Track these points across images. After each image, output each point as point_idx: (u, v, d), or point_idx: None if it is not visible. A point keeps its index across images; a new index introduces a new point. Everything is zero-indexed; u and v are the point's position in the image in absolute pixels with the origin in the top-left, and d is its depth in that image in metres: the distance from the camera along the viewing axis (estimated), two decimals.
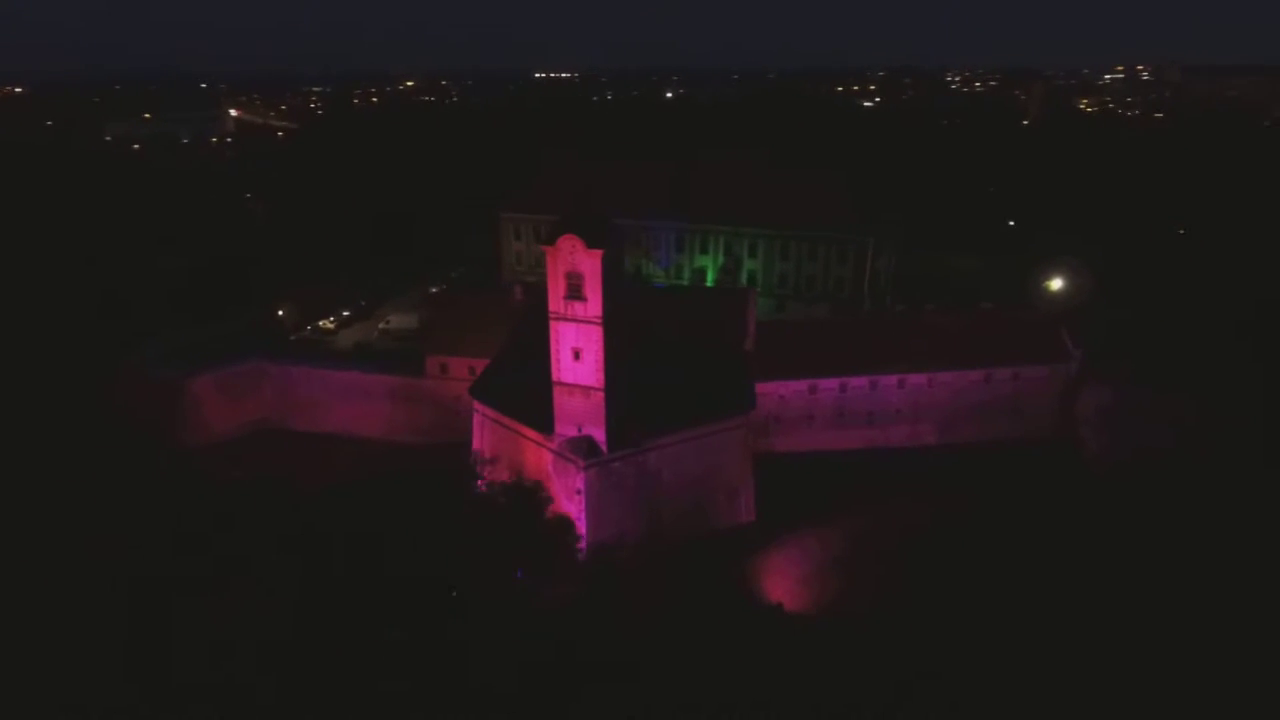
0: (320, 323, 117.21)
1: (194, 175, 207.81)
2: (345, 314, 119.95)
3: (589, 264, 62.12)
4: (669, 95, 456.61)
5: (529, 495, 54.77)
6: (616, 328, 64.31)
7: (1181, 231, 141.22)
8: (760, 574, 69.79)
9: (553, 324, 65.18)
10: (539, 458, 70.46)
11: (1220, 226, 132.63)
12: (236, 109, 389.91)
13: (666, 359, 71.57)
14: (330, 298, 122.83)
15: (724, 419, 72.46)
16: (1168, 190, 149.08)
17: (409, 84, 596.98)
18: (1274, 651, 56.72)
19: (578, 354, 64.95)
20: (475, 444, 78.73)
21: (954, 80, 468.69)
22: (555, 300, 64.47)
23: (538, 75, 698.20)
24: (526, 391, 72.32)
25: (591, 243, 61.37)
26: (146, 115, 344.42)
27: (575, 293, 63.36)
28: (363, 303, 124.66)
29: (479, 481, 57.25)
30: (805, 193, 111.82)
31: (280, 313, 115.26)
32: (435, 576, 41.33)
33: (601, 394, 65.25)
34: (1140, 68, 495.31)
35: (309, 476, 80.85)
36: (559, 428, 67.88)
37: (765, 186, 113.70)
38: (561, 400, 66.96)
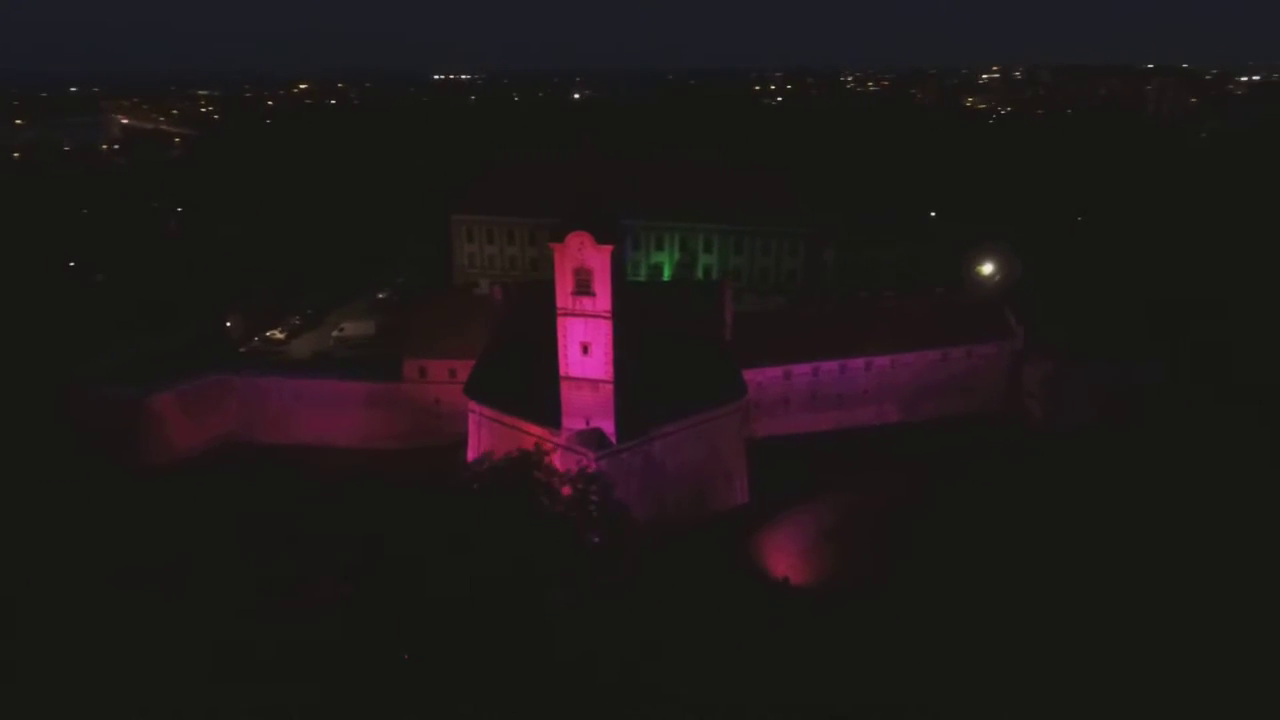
0: (269, 333, 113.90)
1: (90, 184, 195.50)
2: (295, 323, 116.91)
3: (598, 259, 63.90)
4: (576, 96, 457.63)
5: (594, 482, 56.05)
6: (623, 321, 66.25)
7: (1080, 219, 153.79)
8: (763, 551, 73.16)
9: (561, 320, 66.52)
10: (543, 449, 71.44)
11: (1114, 212, 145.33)
12: (122, 114, 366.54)
13: (656, 351, 73.68)
14: (273, 307, 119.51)
15: (720, 406, 75.57)
16: (1064, 180, 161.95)
17: (302, 86, 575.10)
18: (1203, 573, 64.45)
19: (586, 348, 66.56)
20: (471, 444, 78.93)
21: (848, 80, 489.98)
22: (563, 296, 65.86)
23: (437, 77, 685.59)
24: (526, 388, 73.38)
25: (601, 238, 63.18)
26: (19, 121, 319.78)
27: (584, 288, 64.95)
28: (309, 311, 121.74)
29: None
30: (755, 189, 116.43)
31: (228, 324, 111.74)
32: (524, 574, 42.27)
33: (611, 386, 67.13)
34: (1015, 70, 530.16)
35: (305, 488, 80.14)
36: (567, 422, 69.25)
37: (716, 184, 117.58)
38: (569, 394, 68.39)
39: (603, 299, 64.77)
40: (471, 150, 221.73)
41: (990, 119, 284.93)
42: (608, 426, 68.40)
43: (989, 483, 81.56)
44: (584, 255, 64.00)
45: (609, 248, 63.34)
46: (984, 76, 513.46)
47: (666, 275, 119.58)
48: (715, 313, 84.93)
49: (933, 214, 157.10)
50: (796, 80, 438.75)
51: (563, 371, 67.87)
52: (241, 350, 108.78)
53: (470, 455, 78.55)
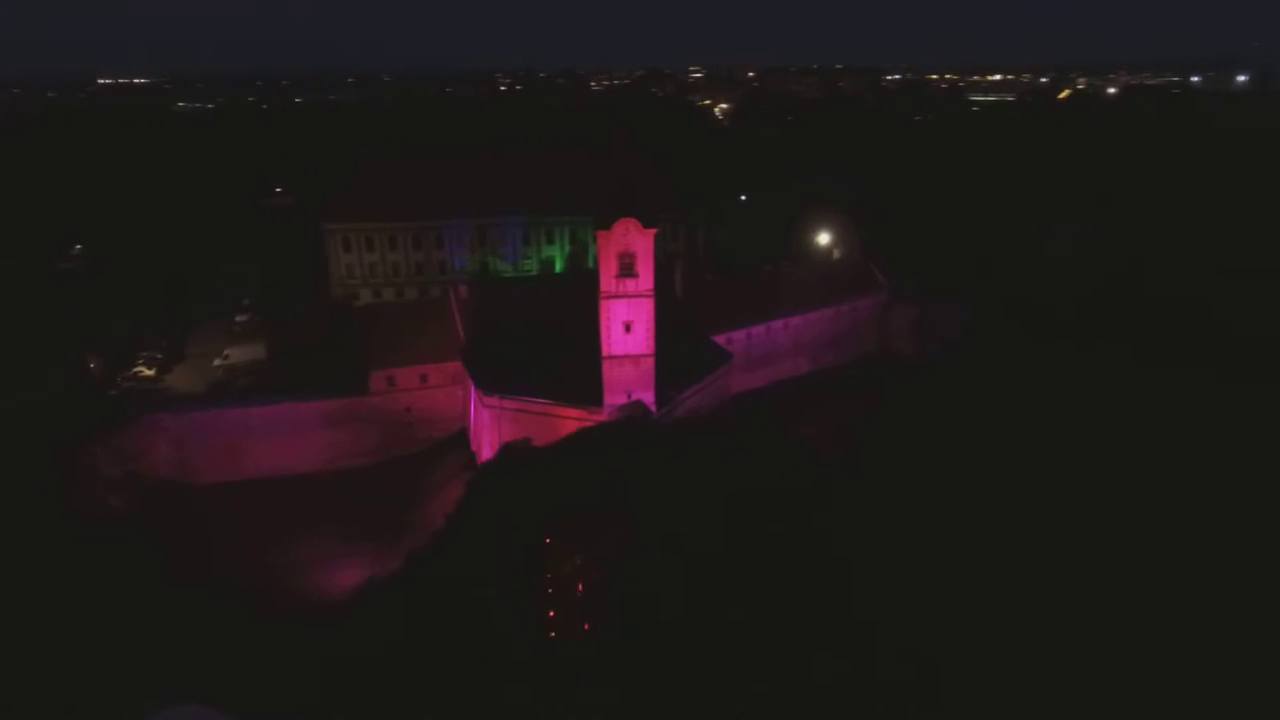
0: (135, 370, 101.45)
1: None
2: (156, 357, 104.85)
3: (642, 243, 69.70)
4: (298, 100, 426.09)
5: None
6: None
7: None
8: None
9: (604, 302, 71.14)
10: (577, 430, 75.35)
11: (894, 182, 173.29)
12: None
13: None
14: (115, 344, 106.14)
15: (718, 369, 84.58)
16: (838, 159, 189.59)
17: None
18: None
19: (629, 326, 71.94)
20: (488, 438, 79.52)
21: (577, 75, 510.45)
22: (607, 280, 70.58)
23: (103, 81, 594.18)
24: (552, 374, 76.73)
25: (647, 223, 69.11)
26: None
27: (628, 271, 70.31)
28: (164, 343, 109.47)
29: None
30: (630, 179, 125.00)
31: (91, 366, 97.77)
32: None
33: (651, 360, 73.26)
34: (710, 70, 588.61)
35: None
36: (609, 398, 73.88)
37: (597, 175, 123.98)
38: (612, 372, 73.13)
39: (645, 279, 70.70)
40: (225, 161, 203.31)
41: (718, 112, 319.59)
42: (648, 397, 74.30)
43: (902, 404, 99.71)
44: (629, 240, 69.42)
45: (653, 231, 69.51)
46: (691, 76, 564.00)
47: (559, 268, 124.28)
48: (668, 288, 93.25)
49: (743, 197, 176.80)
50: (545, 81, 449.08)
51: (605, 351, 72.43)
52: (112, 393, 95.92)
53: (488, 450, 79.39)
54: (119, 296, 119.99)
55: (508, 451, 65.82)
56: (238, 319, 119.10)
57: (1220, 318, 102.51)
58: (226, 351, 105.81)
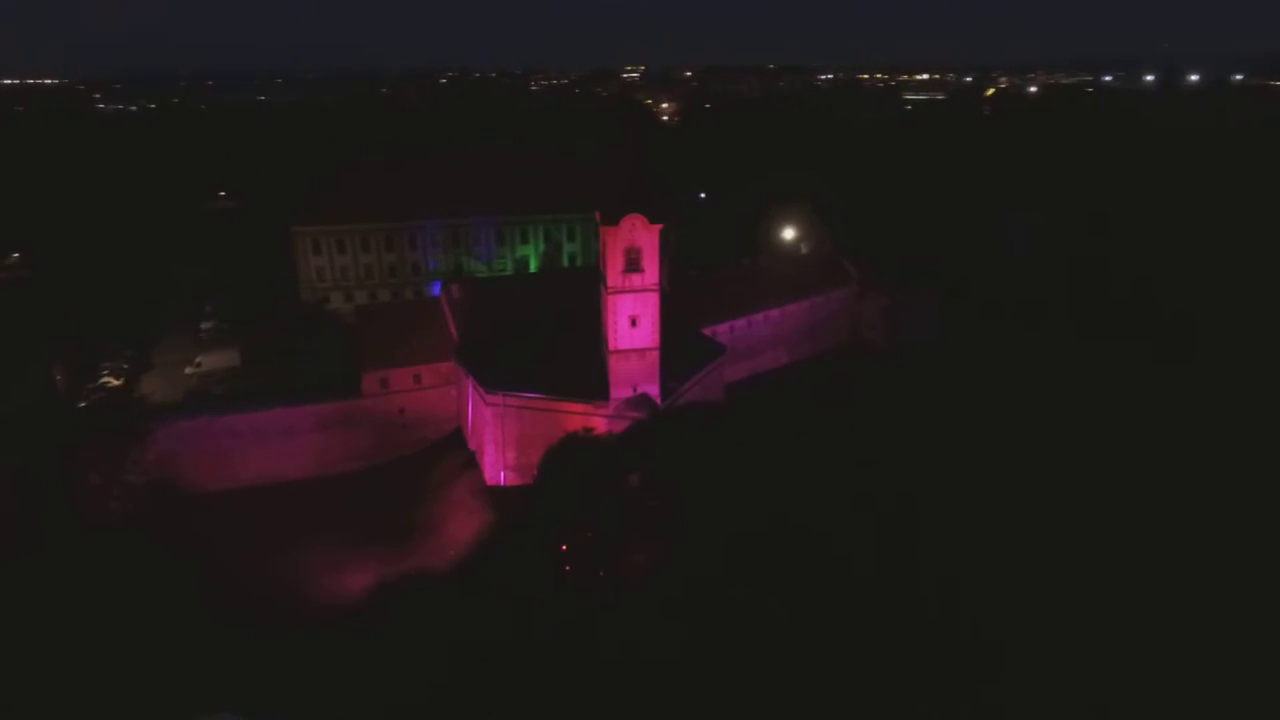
0: (103, 381, 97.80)
1: None
2: (122, 367, 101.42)
3: (648, 239, 70.89)
4: (229, 100, 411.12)
5: None
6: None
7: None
8: None
9: (611, 298, 72.05)
10: (586, 426, 76.04)
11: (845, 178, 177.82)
12: None
13: None
14: (76, 355, 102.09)
15: (715, 361, 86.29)
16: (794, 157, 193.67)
17: None
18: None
19: (635, 321, 73.05)
20: (490, 435, 79.42)
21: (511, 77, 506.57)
22: (614, 276, 71.51)
23: (7, 82, 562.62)
24: (553, 370, 77.24)
25: (653, 219, 70.30)
26: None
27: (634, 265, 71.42)
28: (129, 353, 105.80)
29: None
30: (602, 178, 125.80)
31: (58, 378, 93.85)
32: None
33: (656, 353, 74.54)
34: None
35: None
36: (615, 392, 74.83)
37: (568, 175, 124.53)
38: (618, 366, 74.12)
39: (651, 273, 71.93)
40: (159, 164, 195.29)
41: (663, 111, 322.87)
42: (653, 390, 75.52)
43: (885, 385, 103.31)
44: (635, 235, 70.60)
45: (659, 227, 70.80)
46: (629, 76, 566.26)
47: (533, 267, 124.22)
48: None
49: (702, 195, 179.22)
50: (482, 80, 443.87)
51: (612, 345, 73.36)
52: (81, 405, 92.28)
53: (490, 448, 79.38)
54: (70, 305, 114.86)
55: (571, 440, 67.35)
56: (203, 326, 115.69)
57: (1187, 309, 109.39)
58: (198, 359, 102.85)
